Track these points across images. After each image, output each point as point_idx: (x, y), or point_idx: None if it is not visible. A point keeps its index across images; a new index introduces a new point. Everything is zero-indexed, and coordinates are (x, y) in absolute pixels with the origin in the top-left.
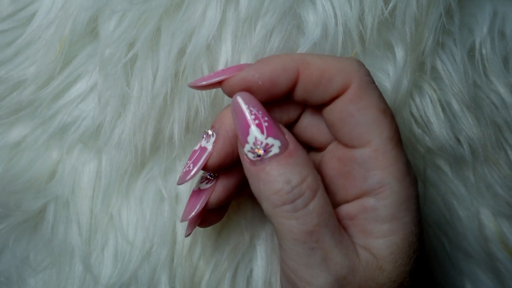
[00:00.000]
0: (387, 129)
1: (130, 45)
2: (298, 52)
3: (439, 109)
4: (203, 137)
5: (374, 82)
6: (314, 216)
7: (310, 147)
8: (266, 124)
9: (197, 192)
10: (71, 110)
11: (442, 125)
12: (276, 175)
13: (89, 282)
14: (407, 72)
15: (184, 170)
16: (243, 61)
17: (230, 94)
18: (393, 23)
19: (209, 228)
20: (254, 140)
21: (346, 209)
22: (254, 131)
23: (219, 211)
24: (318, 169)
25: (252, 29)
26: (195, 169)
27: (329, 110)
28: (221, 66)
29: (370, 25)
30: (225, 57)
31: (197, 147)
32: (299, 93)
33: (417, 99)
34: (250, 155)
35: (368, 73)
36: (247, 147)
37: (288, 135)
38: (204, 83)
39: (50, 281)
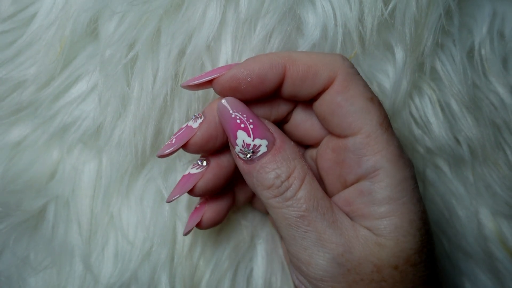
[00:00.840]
0: (376, 115)
1: (130, 46)
2: None
3: (439, 110)
4: (192, 118)
5: (358, 74)
6: (302, 202)
7: (305, 146)
8: (251, 126)
9: (186, 176)
10: (72, 110)
11: (442, 125)
12: (267, 172)
13: (89, 281)
14: (407, 73)
15: (166, 143)
16: None
17: (221, 93)
18: (393, 24)
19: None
20: (242, 143)
21: (343, 195)
22: (241, 135)
23: (218, 213)
24: (314, 163)
25: (252, 30)
26: (176, 145)
27: (318, 104)
28: None
29: (369, 26)
30: (225, 58)
31: (183, 126)
32: (287, 89)
33: (417, 100)
34: (241, 155)
35: (352, 66)
36: (237, 149)
37: (274, 130)
38: (195, 82)
39: (50, 280)
